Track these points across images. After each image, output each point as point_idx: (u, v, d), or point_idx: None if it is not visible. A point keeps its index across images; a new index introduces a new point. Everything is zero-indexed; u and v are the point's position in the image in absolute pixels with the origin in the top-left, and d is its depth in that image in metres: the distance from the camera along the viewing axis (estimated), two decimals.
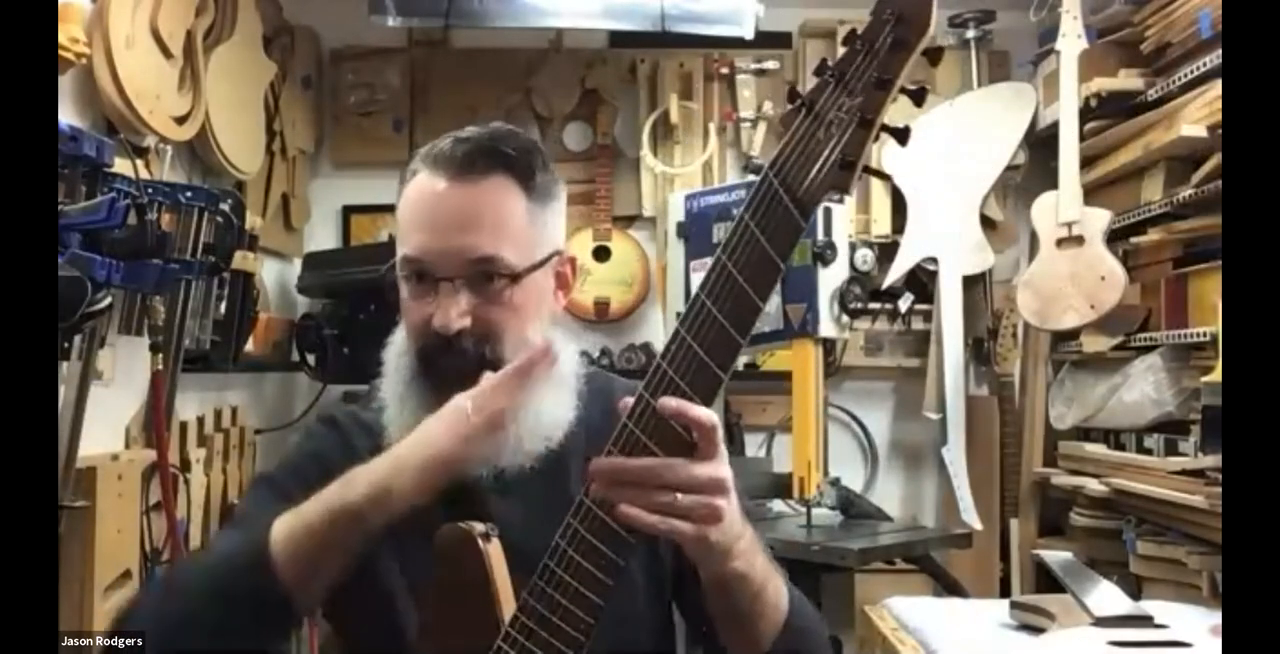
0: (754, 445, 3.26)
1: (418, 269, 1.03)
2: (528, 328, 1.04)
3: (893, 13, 0.75)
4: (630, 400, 0.83)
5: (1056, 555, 1.94)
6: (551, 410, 1.05)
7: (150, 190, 2.02)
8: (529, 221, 1.04)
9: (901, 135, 0.80)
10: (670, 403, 0.81)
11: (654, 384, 0.82)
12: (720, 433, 0.83)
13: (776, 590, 0.98)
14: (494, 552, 0.89)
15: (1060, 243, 2.68)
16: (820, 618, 1.08)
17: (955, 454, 3.04)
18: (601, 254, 3.30)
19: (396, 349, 1.09)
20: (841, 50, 0.78)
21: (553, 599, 0.85)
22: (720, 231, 2.61)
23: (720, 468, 0.84)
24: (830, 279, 2.42)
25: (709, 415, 0.82)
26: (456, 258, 1.01)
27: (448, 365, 1.00)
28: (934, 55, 0.78)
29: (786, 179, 0.79)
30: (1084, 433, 2.94)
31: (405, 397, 1.05)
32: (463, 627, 0.90)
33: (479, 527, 0.90)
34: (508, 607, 0.88)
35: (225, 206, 2.24)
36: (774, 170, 0.79)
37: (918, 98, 0.77)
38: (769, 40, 3.23)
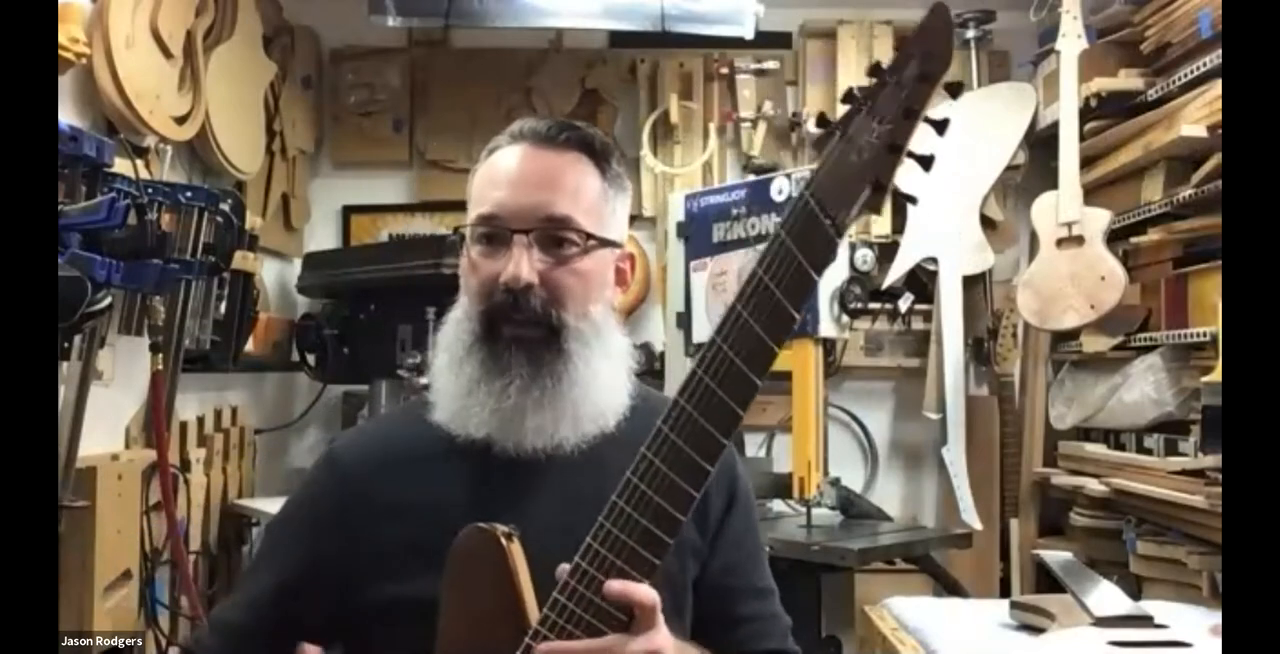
0: (754, 445, 3.25)
1: (492, 226, 1.02)
2: (591, 301, 1.04)
3: (919, 49, 0.82)
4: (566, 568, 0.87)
5: (1056, 555, 1.94)
6: (609, 392, 1.05)
7: (150, 190, 2.02)
8: (602, 199, 1.06)
9: (926, 162, 0.85)
10: (614, 586, 0.84)
11: (689, 392, 0.84)
12: (658, 611, 0.86)
13: None
14: (516, 551, 0.89)
15: (1060, 243, 2.68)
16: None
17: (955, 454, 3.04)
18: None
19: (454, 323, 1.07)
20: (871, 81, 0.84)
21: (584, 596, 0.85)
22: (720, 232, 2.61)
23: (654, 640, 0.86)
24: (830, 279, 2.42)
25: (650, 597, 0.85)
26: (532, 213, 1.01)
27: (512, 329, 1.00)
28: (954, 89, 0.86)
29: (821, 199, 0.83)
30: (1084, 433, 2.93)
31: (463, 361, 1.03)
32: (489, 628, 0.90)
33: (501, 527, 0.90)
34: (533, 606, 0.89)
35: (225, 206, 2.24)
36: (810, 191, 0.83)
37: (940, 128, 0.84)
38: (769, 40, 3.23)
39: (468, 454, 1.03)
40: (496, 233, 1.02)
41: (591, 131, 1.08)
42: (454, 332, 1.06)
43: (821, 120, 0.85)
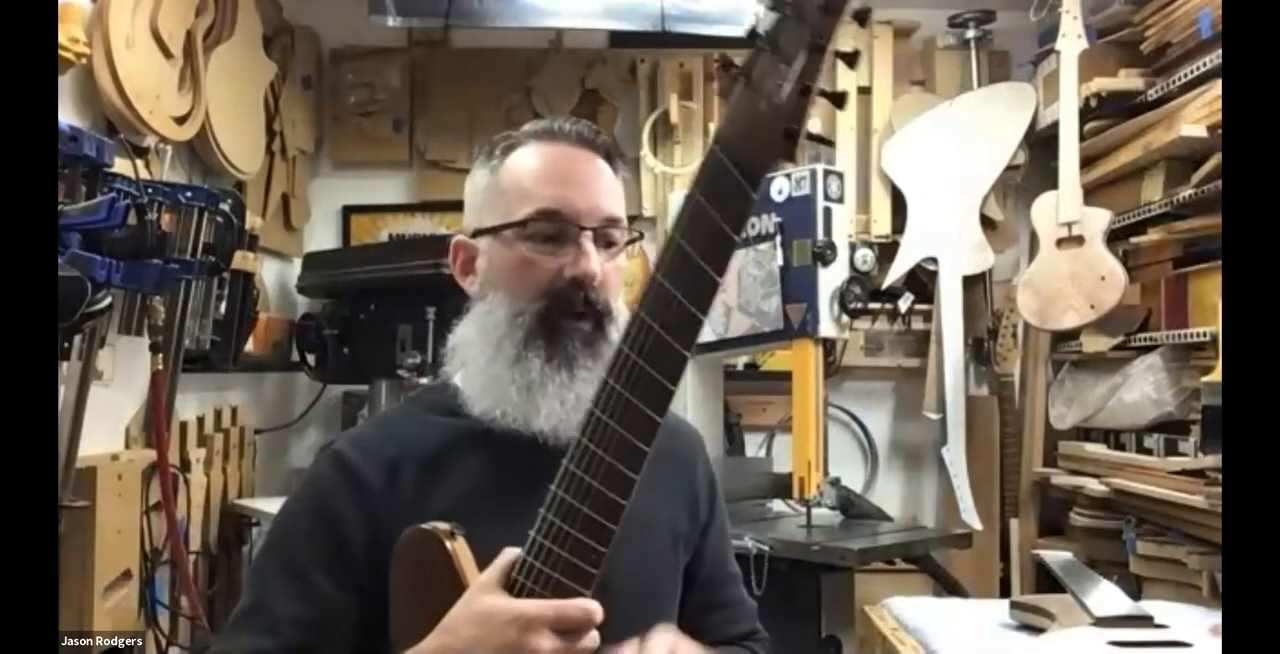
0: (754, 445, 3.26)
1: (556, 220, 1.03)
2: (619, 297, 1.08)
3: None
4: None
5: (1056, 555, 1.94)
6: None
7: (150, 190, 2.02)
8: (622, 200, 1.10)
9: (839, 99, 0.81)
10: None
11: (616, 370, 0.81)
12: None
13: None
14: (460, 549, 0.88)
15: (1060, 243, 2.68)
16: None
17: (955, 454, 3.04)
18: None
19: (491, 318, 1.05)
20: (770, 15, 0.79)
21: (534, 592, 0.84)
22: None
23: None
24: (830, 279, 2.42)
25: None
26: (595, 211, 1.04)
27: (571, 322, 1.02)
28: (850, 59, 0.80)
29: (733, 152, 0.80)
30: (1084, 433, 2.93)
31: (520, 356, 1.01)
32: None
33: (443, 526, 0.89)
34: None
35: (225, 206, 2.24)
36: (720, 145, 0.80)
37: (849, 61, 0.78)
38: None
39: (482, 445, 1.03)
40: (560, 229, 1.03)
41: (604, 135, 1.12)
42: (501, 328, 1.03)
43: (725, 63, 0.80)
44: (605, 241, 1.05)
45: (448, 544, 0.88)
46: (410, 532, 0.90)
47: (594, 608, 0.82)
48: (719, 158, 0.79)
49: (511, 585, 0.84)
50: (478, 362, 1.04)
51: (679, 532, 1.14)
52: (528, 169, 1.06)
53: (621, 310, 1.05)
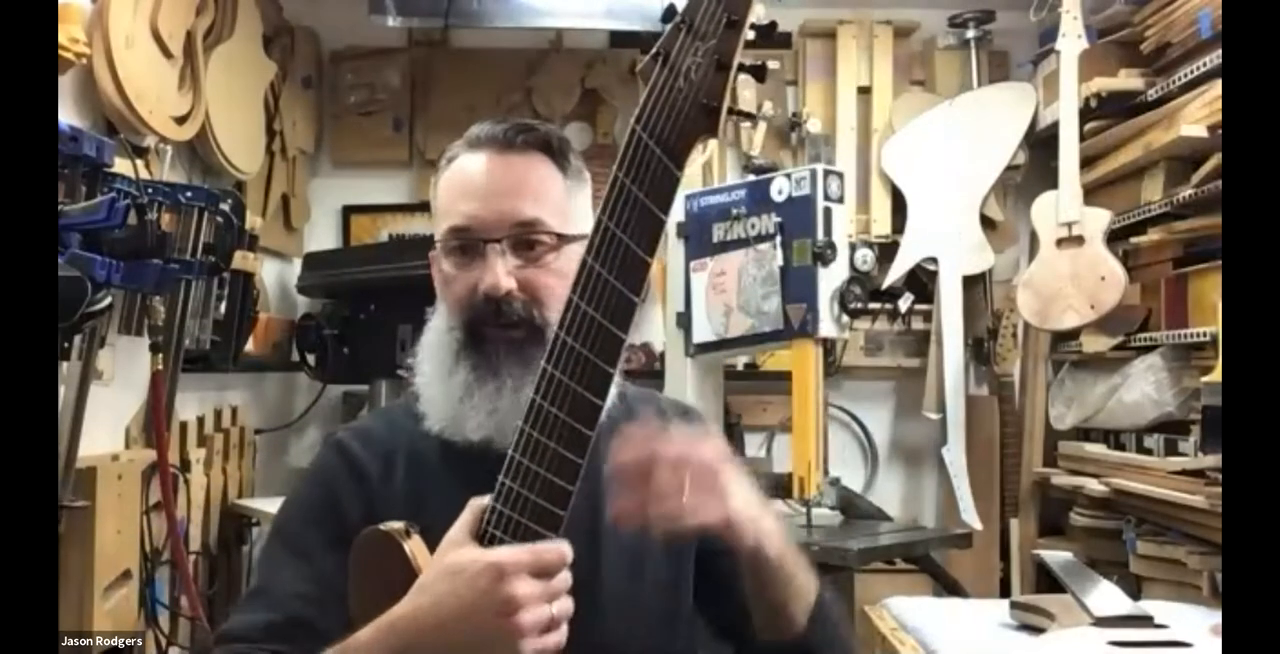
0: (754, 445, 3.25)
1: (464, 237, 1.05)
2: (554, 299, 1.06)
3: None
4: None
5: (1056, 555, 1.94)
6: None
7: (150, 190, 2.02)
8: (567, 196, 1.08)
9: (759, 72, 0.81)
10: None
11: (554, 356, 0.83)
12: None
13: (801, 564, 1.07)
14: (417, 546, 0.89)
15: (1060, 243, 2.68)
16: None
17: (955, 454, 3.04)
18: None
19: (435, 333, 1.09)
20: None
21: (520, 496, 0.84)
22: (720, 232, 2.61)
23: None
24: (830, 279, 2.42)
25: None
26: (502, 221, 1.03)
27: (497, 332, 1.03)
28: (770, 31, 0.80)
29: (654, 131, 0.80)
30: (1084, 433, 2.93)
31: (452, 370, 1.05)
32: None
33: (396, 525, 0.90)
34: None
35: (225, 206, 2.24)
36: (640, 124, 0.80)
37: (764, 35, 0.79)
38: (769, 40, 3.22)
39: (465, 455, 1.04)
40: (469, 244, 1.04)
41: (546, 129, 1.10)
42: (438, 341, 1.08)
43: (645, 48, 0.81)
44: (526, 245, 1.04)
45: (404, 544, 0.89)
46: (367, 532, 0.91)
47: (565, 548, 0.82)
48: (640, 137, 0.80)
49: (481, 538, 0.85)
50: (424, 375, 1.09)
51: (676, 567, 1.12)
52: (450, 183, 1.09)
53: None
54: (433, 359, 1.08)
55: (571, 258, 1.04)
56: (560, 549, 0.82)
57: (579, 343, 0.81)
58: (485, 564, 0.80)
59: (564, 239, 1.05)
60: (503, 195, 1.04)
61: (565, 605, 0.82)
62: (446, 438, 1.06)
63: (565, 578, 0.82)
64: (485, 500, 0.85)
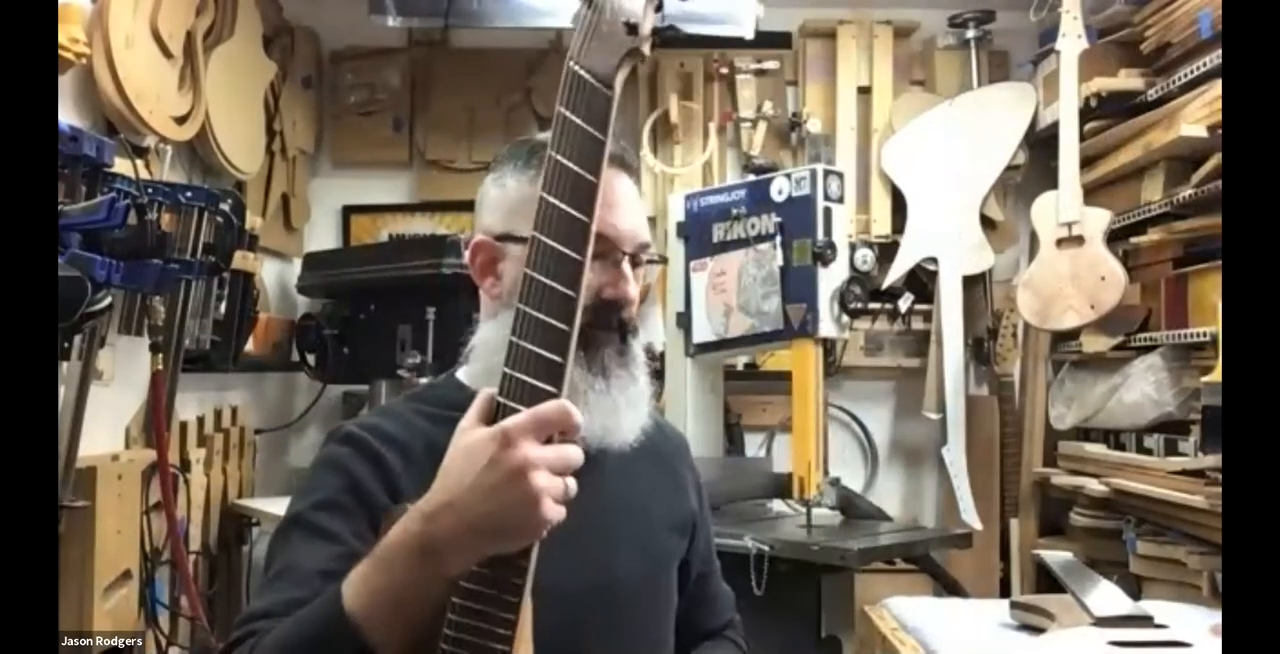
0: (754, 445, 3.26)
1: (601, 244, 1.03)
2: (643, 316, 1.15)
3: None
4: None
5: (1056, 555, 1.94)
6: (646, 401, 1.11)
7: (150, 190, 2.02)
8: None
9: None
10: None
11: (524, 294, 0.86)
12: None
13: None
14: None
15: (1060, 243, 2.68)
16: None
17: (955, 454, 3.04)
18: None
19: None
20: None
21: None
22: (720, 232, 2.61)
23: None
24: (830, 279, 2.42)
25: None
26: (635, 238, 1.09)
27: (605, 334, 1.07)
28: None
29: (584, 61, 0.87)
30: (1084, 433, 2.93)
31: None
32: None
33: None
34: None
35: (225, 206, 2.24)
36: (573, 59, 0.87)
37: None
38: (769, 40, 3.23)
39: None
40: (606, 252, 1.06)
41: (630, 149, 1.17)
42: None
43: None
44: (635, 263, 1.10)
45: None
46: (400, 508, 0.91)
47: (569, 406, 0.83)
48: (572, 68, 0.86)
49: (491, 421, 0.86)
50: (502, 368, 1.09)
51: (677, 519, 1.20)
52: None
53: (647, 326, 1.13)
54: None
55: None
56: (560, 405, 0.82)
57: (548, 276, 0.86)
58: (491, 433, 0.82)
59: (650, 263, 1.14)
60: (633, 213, 1.10)
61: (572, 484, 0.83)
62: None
63: (578, 447, 0.84)
64: (492, 390, 0.87)
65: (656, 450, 1.18)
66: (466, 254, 1.13)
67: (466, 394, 1.03)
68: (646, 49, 0.86)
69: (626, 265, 1.08)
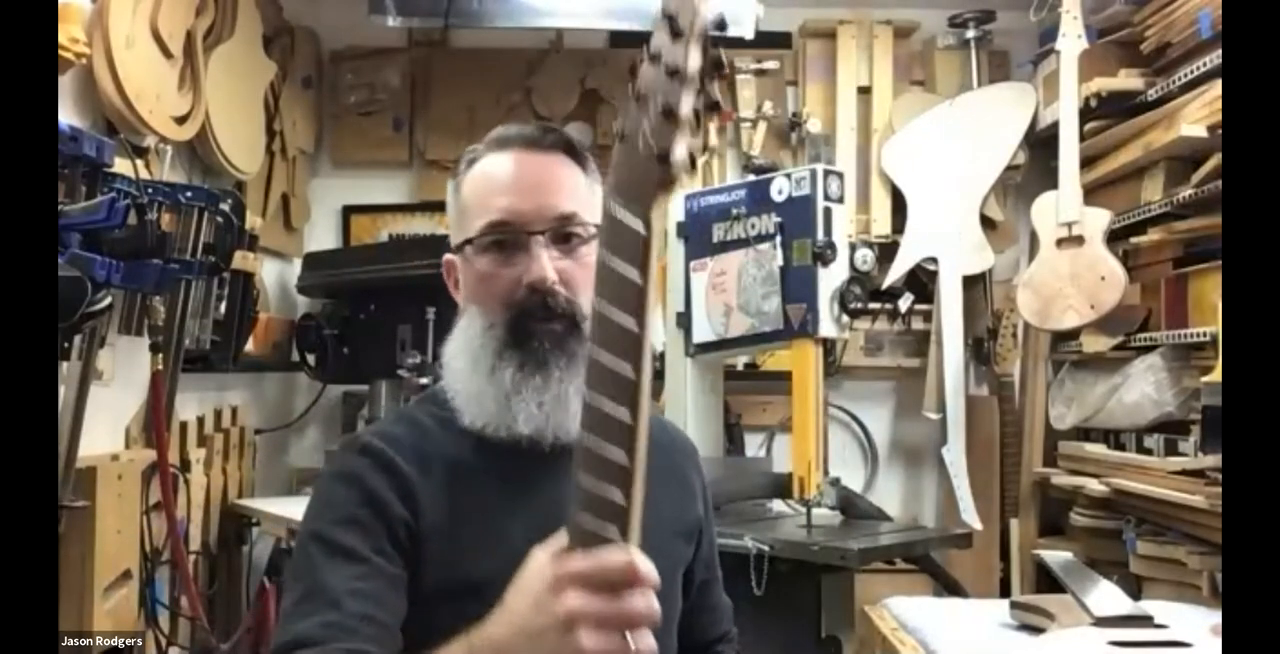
0: (754, 445, 3.26)
1: (505, 231, 1.06)
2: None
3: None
4: None
5: (1056, 555, 1.94)
6: None
7: (150, 190, 2.02)
8: (589, 192, 1.10)
9: (713, 107, 0.79)
10: None
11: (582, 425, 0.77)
12: None
13: None
14: None
15: (1060, 243, 2.68)
16: None
17: (955, 454, 3.04)
18: None
19: (469, 333, 1.09)
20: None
21: None
22: (720, 232, 2.61)
23: None
24: (830, 279, 2.42)
25: None
26: (542, 214, 1.06)
27: (542, 327, 1.04)
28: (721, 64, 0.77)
29: (617, 196, 0.78)
30: (1084, 433, 2.93)
31: (495, 367, 1.05)
32: None
33: None
34: None
35: (225, 206, 2.24)
36: (608, 192, 0.79)
37: (713, 105, 0.78)
38: (769, 40, 3.23)
39: (504, 450, 1.05)
40: (512, 238, 1.05)
41: (564, 130, 1.15)
42: (477, 341, 1.07)
43: (633, 68, 0.80)
44: (562, 239, 1.06)
45: None
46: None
47: (636, 561, 0.70)
48: (608, 203, 0.77)
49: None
50: (461, 375, 1.09)
51: (686, 525, 1.19)
52: (479, 183, 1.10)
53: None
54: (469, 359, 1.08)
55: (595, 251, 1.03)
56: (626, 558, 0.70)
57: (594, 434, 0.75)
58: (541, 573, 0.74)
59: (594, 234, 1.07)
60: (541, 190, 1.07)
61: (647, 642, 0.72)
62: (487, 435, 1.06)
63: (644, 600, 0.71)
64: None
65: (665, 454, 1.16)
66: (444, 274, 1.15)
67: (451, 408, 1.08)
68: (684, 176, 0.77)
69: (538, 246, 1.04)
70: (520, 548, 0.82)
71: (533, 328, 1.04)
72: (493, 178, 1.09)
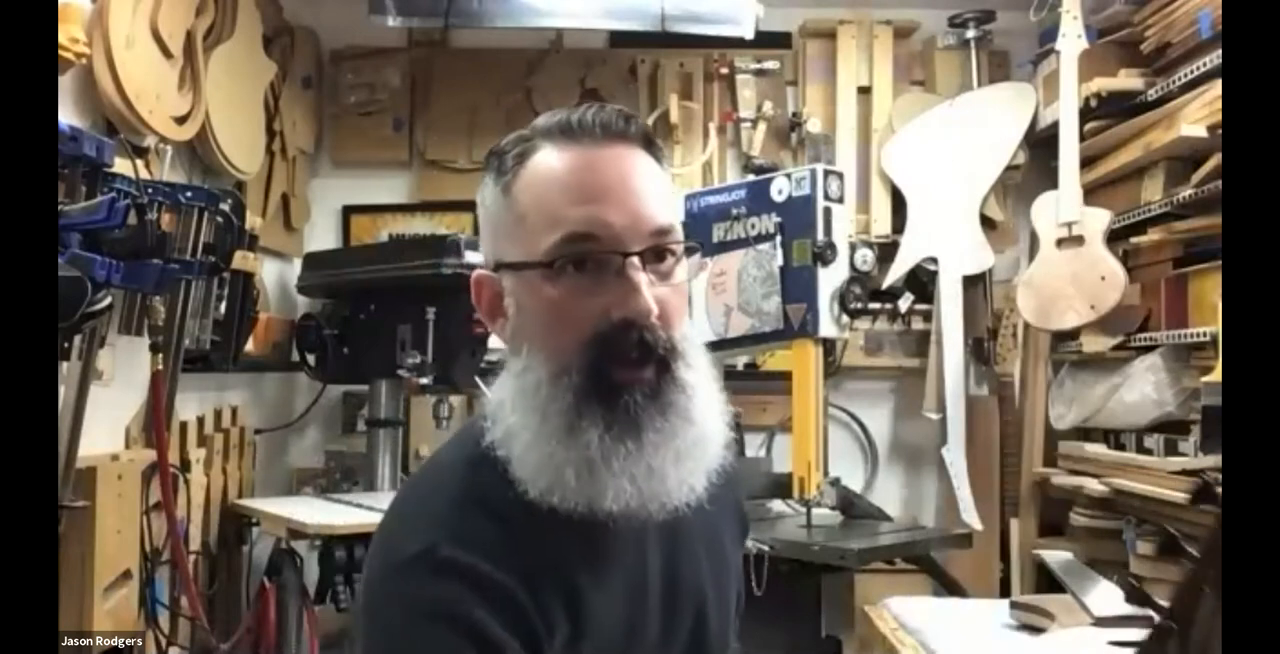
0: (754, 445, 3.25)
1: (591, 249, 0.82)
2: (684, 323, 0.88)
3: None
4: None
5: (1056, 555, 1.95)
6: (719, 420, 0.89)
7: (150, 190, 2.02)
8: (672, 202, 0.90)
9: None
10: None
11: None
12: None
13: None
14: None
15: (1060, 243, 2.68)
16: None
17: (955, 454, 3.04)
18: None
19: (530, 380, 0.85)
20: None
21: None
22: (720, 232, 2.61)
23: None
24: (830, 279, 2.42)
25: None
26: (641, 228, 0.83)
27: (625, 373, 0.82)
28: None
29: None
30: (1084, 433, 2.93)
31: (574, 428, 0.82)
32: None
33: None
34: None
35: (225, 206, 2.24)
36: None
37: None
38: (769, 40, 3.23)
39: (584, 530, 0.85)
40: (601, 259, 0.83)
41: (629, 113, 0.89)
42: (544, 391, 0.84)
43: None
44: (657, 258, 0.85)
45: None
46: None
47: None
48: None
49: None
50: (523, 435, 0.84)
51: (739, 567, 1.09)
52: (544, 184, 0.85)
53: (689, 340, 0.87)
54: (533, 415, 0.84)
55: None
56: None
57: None
58: None
59: (687, 251, 0.88)
60: (631, 194, 0.84)
61: None
62: (563, 510, 0.83)
63: None
64: None
65: (725, 497, 0.99)
66: (473, 295, 0.92)
67: (511, 475, 0.84)
68: None
69: (635, 271, 0.82)
70: (620, 627, 0.79)
71: (621, 377, 0.83)
72: (565, 178, 0.84)
